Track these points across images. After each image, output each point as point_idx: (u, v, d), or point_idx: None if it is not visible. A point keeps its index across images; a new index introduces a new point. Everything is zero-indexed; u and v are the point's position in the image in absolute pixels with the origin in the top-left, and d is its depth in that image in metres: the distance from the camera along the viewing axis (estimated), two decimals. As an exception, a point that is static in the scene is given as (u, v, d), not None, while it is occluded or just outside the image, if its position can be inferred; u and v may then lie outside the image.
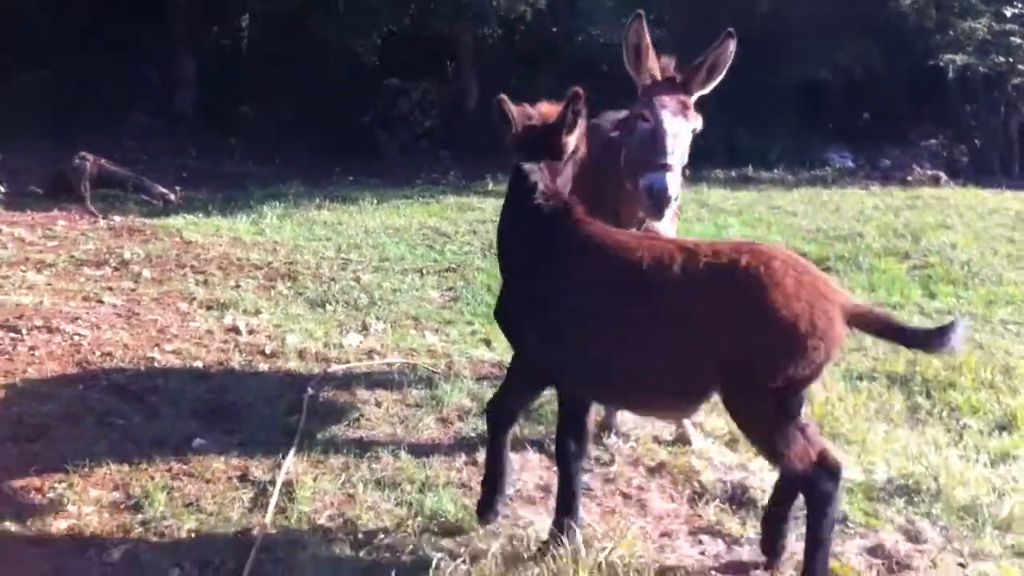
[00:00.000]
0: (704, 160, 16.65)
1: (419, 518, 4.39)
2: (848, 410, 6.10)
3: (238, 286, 8.18)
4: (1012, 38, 16.82)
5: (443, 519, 4.38)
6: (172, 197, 13.01)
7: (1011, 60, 16.83)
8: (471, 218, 11.83)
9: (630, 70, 4.82)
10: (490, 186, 14.56)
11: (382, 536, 4.24)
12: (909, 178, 16.43)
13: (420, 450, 5.14)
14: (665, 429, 5.46)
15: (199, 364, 6.24)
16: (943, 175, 16.62)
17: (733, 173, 16.59)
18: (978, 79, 17.44)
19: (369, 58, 16.68)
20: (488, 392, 5.97)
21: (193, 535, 4.18)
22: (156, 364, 6.19)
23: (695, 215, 12.46)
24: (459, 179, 15.72)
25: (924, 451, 5.48)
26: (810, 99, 18.44)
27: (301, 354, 6.58)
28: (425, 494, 4.60)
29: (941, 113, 18.46)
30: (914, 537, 4.49)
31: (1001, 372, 6.91)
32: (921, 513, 4.69)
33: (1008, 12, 16.70)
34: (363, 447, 5.12)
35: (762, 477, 4.94)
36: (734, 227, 11.64)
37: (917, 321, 8.46)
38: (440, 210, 12.54)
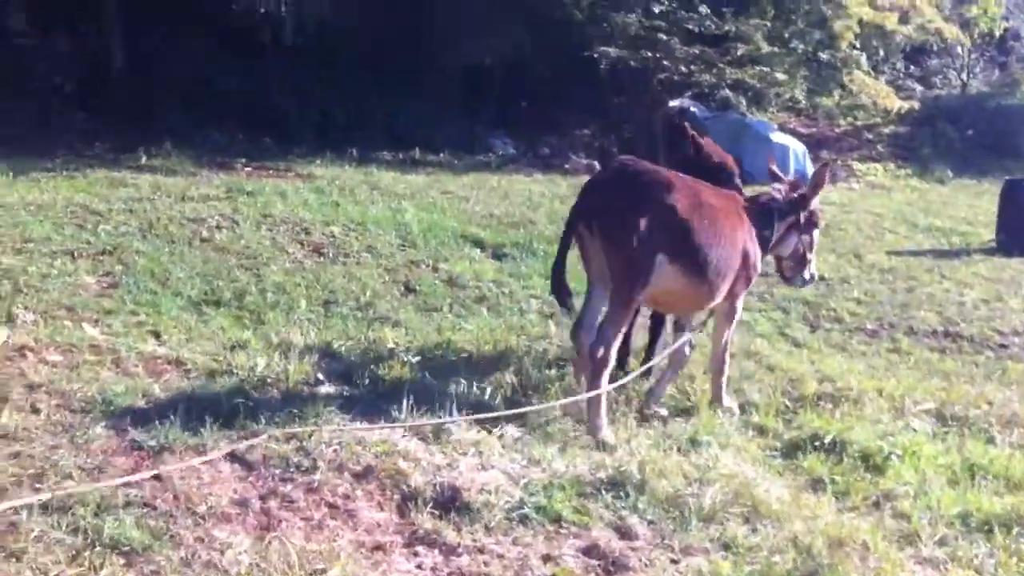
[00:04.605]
0: (369, 141, 16.40)
1: (97, 548, 3.78)
2: (544, 399, 6.08)
3: None
4: (659, 34, 17.75)
5: (127, 547, 3.81)
6: None
7: (658, 55, 17.79)
8: (125, 195, 10.85)
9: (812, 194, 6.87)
10: (143, 160, 13.49)
11: (54, 572, 3.61)
12: (567, 166, 17.03)
13: (92, 465, 4.49)
14: (371, 434, 5.11)
15: None
16: (596, 164, 17.38)
17: (400, 155, 16.45)
18: (627, 72, 18.30)
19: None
20: (162, 393, 5.39)
21: None
22: None
23: (368, 198, 12.18)
24: (107, 151, 14.40)
25: (619, 441, 5.55)
26: (473, 85, 18.64)
27: (-67, 353, 5.64)
28: (102, 518, 3.98)
29: (594, 104, 19.27)
30: (626, 533, 4.47)
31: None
32: (629, 507, 4.68)
33: (656, 8, 17.63)
34: (22, 464, 4.39)
35: (472, 477, 4.74)
36: (410, 211, 11.47)
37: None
38: (88, 185, 11.42)
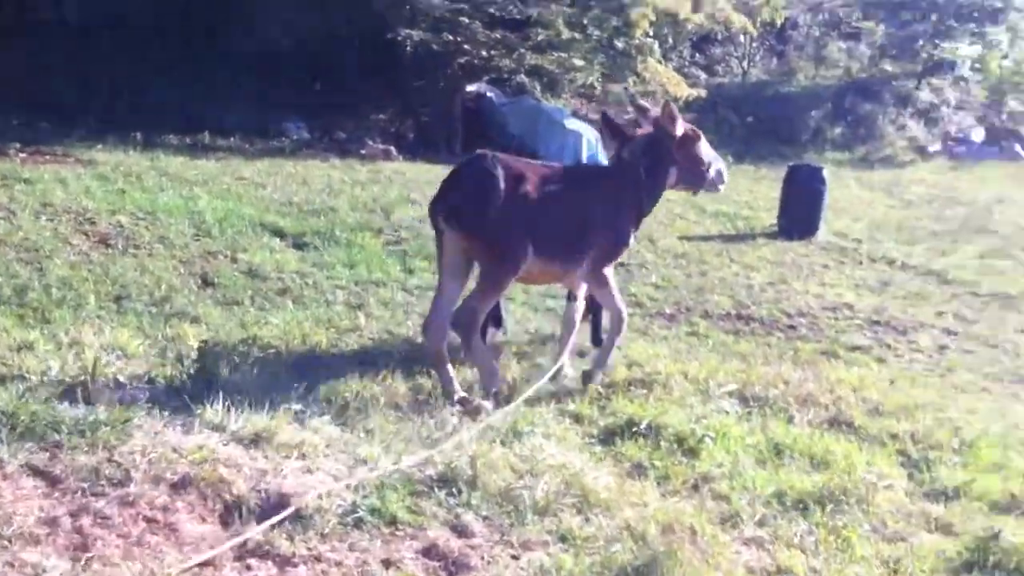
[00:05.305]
0: (154, 125, 15.57)
1: None
2: (363, 394, 5.91)
3: None
4: (462, 18, 17.61)
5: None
6: None
7: (459, 40, 17.63)
8: None
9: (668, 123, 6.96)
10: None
11: None
12: (363, 151, 16.71)
13: None
14: (186, 439, 4.81)
15: None
16: (393, 149, 17.16)
17: (188, 140, 15.67)
18: (428, 56, 17.99)
19: None
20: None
21: None
22: None
23: (157, 185, 11.57)
24: None
25: (443, 436, 5.45)
26: (265, 67, 17.92)
27: None
28: None
29: (391, 88, 18.92)
30: (462, 531, 4.39)
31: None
32: (463, 504, 4.60)
33: (458, -9, 17.54)
34: None
35: (298, 480, 4.55)
36: (203, 198, 10.98)
37: (400, 299, 8.56)
38: None
